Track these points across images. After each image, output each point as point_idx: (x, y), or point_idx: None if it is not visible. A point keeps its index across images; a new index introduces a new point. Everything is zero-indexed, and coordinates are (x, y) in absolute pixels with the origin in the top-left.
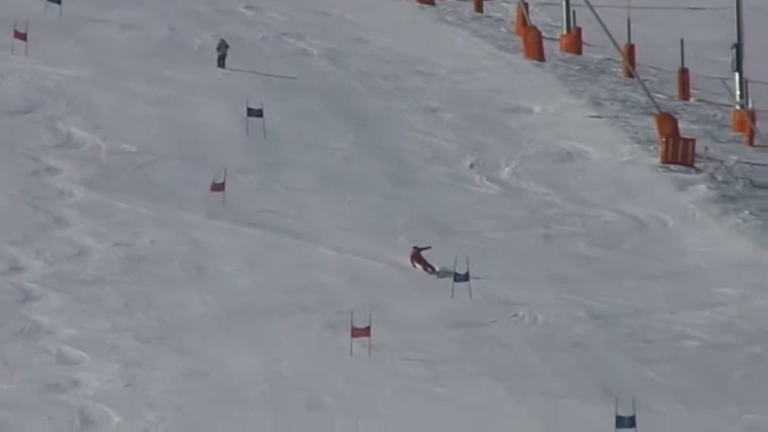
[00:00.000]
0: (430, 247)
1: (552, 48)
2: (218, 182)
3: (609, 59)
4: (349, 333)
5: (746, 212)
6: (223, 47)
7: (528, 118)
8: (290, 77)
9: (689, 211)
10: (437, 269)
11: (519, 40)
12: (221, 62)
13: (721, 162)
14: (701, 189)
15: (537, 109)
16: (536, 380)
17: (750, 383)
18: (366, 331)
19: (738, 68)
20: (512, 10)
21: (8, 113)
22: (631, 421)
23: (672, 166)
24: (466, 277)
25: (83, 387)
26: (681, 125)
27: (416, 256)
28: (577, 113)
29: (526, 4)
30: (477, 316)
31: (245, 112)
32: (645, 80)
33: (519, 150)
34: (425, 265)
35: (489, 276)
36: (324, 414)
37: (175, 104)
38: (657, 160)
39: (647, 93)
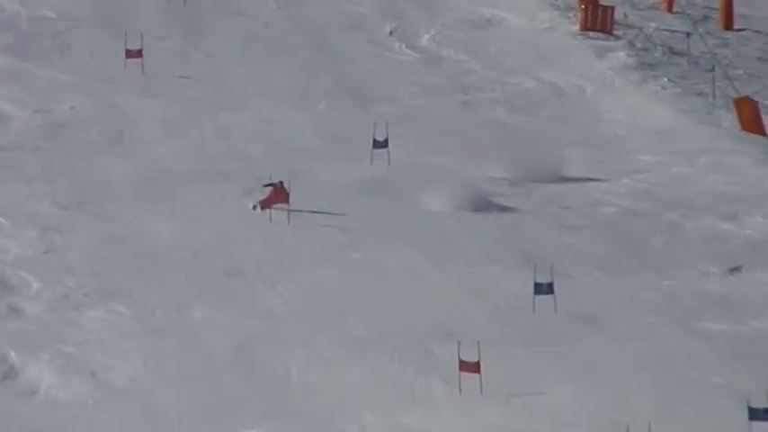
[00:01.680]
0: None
1: None
2: (133, 49)
3: None
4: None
5: (665, 79)
6: None
7: None
8: None
9: (608, 79)
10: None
11: None
12: None
13: (640, 29)
14: (620, 56)
15: None
16: (455, 246)
17: (668, 250)
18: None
19: None
20: None
21: None
22: (549, 288)
23: (591, 33)
24: (385, 144)
25: (2, 253)
26: None
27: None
28: None
29: None
30: (395, 182)
31: None
32: None
33: (438, 17)
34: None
35: (408, 142)
36: (243, 280)
37: None
38: (576, 27)
39: None
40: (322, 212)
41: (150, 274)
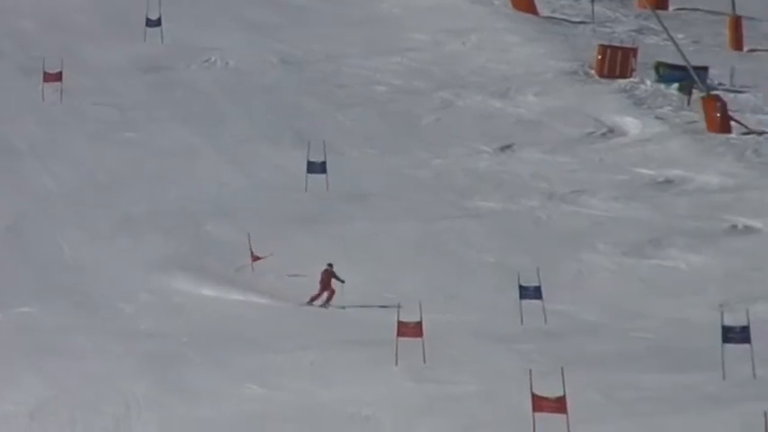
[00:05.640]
0: (343, 282)
1: None
2: None
3: None
4: (41, 78)
5: None
6: None
7: None
8: None
9: None
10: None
11: None
12: None
13: None
14: None
15: None
16: (228, 125)
17: (439, 129)
18: (57, 76)
19: None
20: None
21: None
22: (322, 167)
23: None
24: (158, 23)
25: None
26: None
27: (326, 278)
28: None
29: None
30: (169, 61)
31: None
32: None
33: None
34: (325, 294)
35: (182, 21)
36: (15, 158)
37: None
38: None
39: None
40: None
41: None
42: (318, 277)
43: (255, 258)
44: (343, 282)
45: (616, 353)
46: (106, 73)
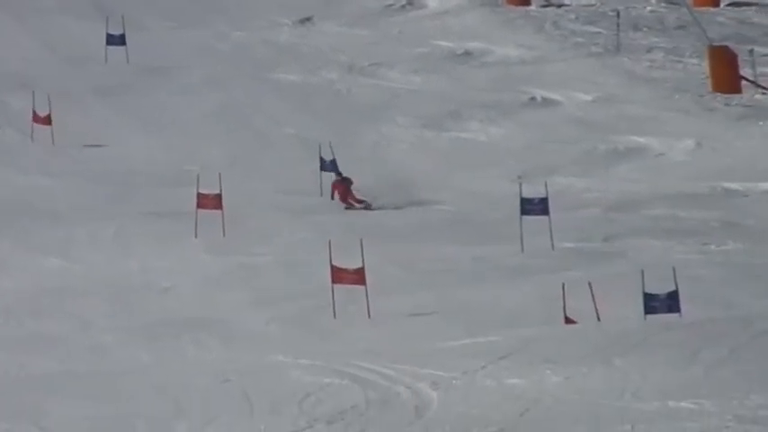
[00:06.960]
0: (352, 182)
1: None
2: None
3: None
4: None
5: None
6: None
7: None
8: None
9: None
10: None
11: None
12: None
13: None
14: None
15: None
16: None
17: (239, 1)
18: None
19: None
20: None
21: None
22: (122, 39)
23: None
24: None
25: None
26: None
27: (341, 188)
28: None
29: None
30: None
31: None
32: None
33: None
34: (355, 200)
35: None
36: None
37: None
38: None
39: None
40: None
41: None
42: (333, 191)
43: (36, 119)
44: (351, 183)
45: (416, 225)
46: None
